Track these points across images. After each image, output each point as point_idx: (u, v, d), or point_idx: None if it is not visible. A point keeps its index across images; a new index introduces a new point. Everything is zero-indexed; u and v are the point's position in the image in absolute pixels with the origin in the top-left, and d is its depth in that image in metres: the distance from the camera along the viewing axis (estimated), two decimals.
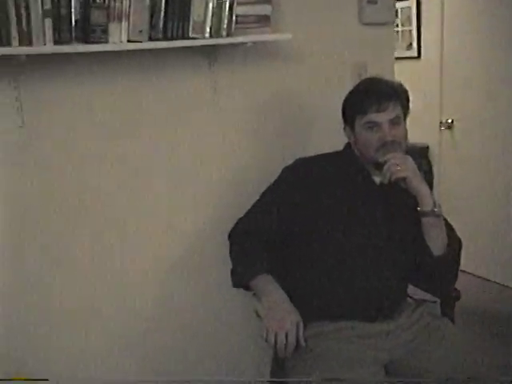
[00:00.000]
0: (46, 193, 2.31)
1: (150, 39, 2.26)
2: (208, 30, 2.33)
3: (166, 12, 2.25)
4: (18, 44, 2.03)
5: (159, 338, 2.55)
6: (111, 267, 2.43)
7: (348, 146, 2.25)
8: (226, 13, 2.34)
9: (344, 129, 2.22)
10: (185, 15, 2.28)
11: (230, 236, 2.28)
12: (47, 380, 2.12)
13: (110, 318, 2.44)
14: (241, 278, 2.15)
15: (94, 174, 2.38)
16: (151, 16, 2.23)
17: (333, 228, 2.13)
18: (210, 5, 2.30)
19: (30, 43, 2.05)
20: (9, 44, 2.02)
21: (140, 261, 2.49)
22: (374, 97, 2.09)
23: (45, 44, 2.07)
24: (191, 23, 2.30)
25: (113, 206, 2.43)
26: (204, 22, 2.31)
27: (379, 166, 2.10)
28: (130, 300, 2.47)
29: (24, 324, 2.28)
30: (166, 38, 2.28)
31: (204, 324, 2.63)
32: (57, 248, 2.33)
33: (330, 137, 2.39)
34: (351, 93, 2.20)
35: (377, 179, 2.17)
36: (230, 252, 2.25)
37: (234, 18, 2.37)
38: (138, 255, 2.48)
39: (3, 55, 2.06)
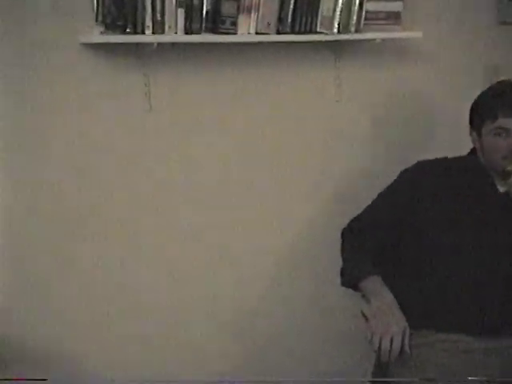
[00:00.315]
0: (174, 175, 2.40)
1: (278, 32, 2.27)
2: (336, 25, 2.31)
3: (295, 5, 2.25)
4: (151, 32, 2.12)
5: (264, 335, 2.58)
6: (220, 263, 2.49)
7: (473, 151, 2.16)
8: (356, 8, 2.31)
9: (470, 133, 2.13)
10: (314, 9, 2.28)
11: (342, 234, 2.25)
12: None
13: (211, 315, 2.50)
14: (351, 278, 2.12)
15: (214, 159, 2.44)
16: (280, 9, 2.25)
17: (449, 235, 2.05)
18: (340, 0, 2.28)
19: (162, 32, 2.14)
20: (143, 32, 2.12)
21: (248, 255, 2.52)
22: (505, 102, 1.98)
23: (176, 33, 2.16)
24: (319, 18, 2.30)
25: (224, 198, 2.47)
26: (333, 17, 2.30)
27: (506, 175, 1.99)
28: (234, 297, 2.52)
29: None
30: (293, 32, 2.29)
31: (308, 321, 2.63)
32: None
33: (455, 141, 2.30)
34: (481, 96, 2.10)
35: (501, 188, 2.07)
36: (342, 250, 2.22)
37: (363, 13, 2.33)
38: (245, 250, 2.51)
39: (137, 42, 2.17)
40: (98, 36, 2.12)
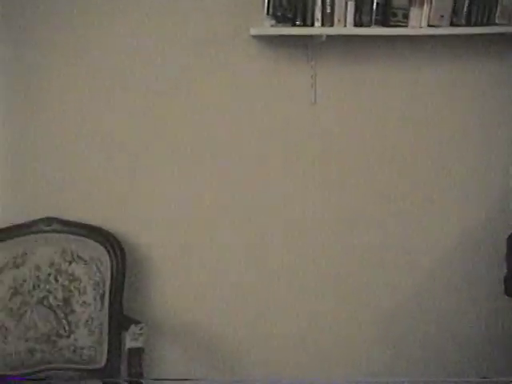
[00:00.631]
0: (334, 169, 2.39)
1: (452, 24, 2.18)
2: None
3: None
4: (320, 25, 2.14)
5: (413, 338, 2.50)
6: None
7: None
8: None
9: None
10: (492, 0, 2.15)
11: (509, 239, 2.12)
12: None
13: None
14: None
15: (380, 156, 2.39)
16: (455, 0, 2.15)
17: None
18: None
19: (331, 25, 2.14)
20: (312, 25, 2.14)
21: (399, 258, 2.45)
22: None
23: (345, 26, 2.15)
24: (499, 8, 2.16)
25: (391, 193, 2.42)
26: None
27: None
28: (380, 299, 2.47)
29: None
30: (468, 24, 2.18)
31: (461, 324, 2.51)
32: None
33: None
34: None
35: None
36: (508, 256, 2.09)
37: None
38: (398, 252, 2.45)
39: (306, 35, 2.19)
40: (268, 28, 2.16)
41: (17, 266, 2.16)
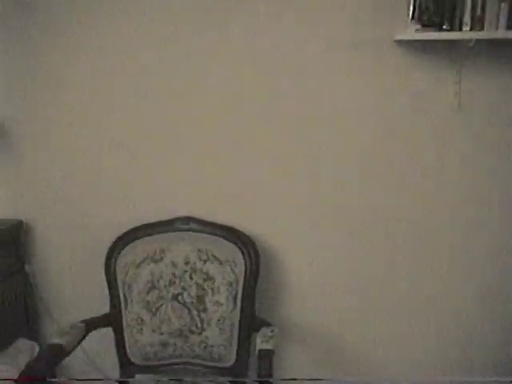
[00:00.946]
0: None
1: None
2: None
3: None
4: (468, 29, 2.05)
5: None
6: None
7: None
8: None
9: None
10: None
11: None
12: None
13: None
14: None
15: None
16: None
17: None
18: None
19: (480, 28, 2.05)
20: (460, 29, 2.06)
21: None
22: None
23: (497, 29, 2.04)
24: None
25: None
26: None
27: None
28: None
29: None
30: None
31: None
32: None
33: None
34: None
35: None
36: None
37: None
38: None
39: (451, 40, 2.11)
40: (413, 33, 2.10)
41: (155, 262, 2.25)
